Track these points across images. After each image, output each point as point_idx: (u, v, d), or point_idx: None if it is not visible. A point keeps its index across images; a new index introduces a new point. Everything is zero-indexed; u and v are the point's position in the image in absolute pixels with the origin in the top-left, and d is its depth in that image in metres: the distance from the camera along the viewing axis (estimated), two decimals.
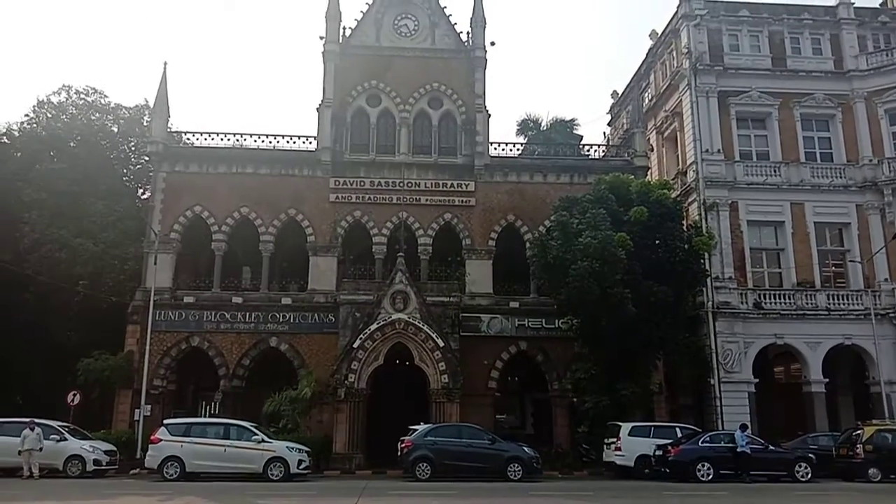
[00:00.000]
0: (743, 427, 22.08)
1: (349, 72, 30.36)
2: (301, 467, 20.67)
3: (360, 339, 25.39)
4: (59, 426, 22.12)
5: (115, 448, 22.73)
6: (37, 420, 21.32)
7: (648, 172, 31.20)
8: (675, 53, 32.29)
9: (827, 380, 27.34)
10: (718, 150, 29.41)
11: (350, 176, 29.42)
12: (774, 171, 29.54)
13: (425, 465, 20.90)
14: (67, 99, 34.72)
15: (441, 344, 25.38)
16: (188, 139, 30.62)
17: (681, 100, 31.16)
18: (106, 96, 35.47)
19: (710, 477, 20.55)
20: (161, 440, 20.77)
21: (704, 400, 28.06)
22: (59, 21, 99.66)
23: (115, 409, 27.25)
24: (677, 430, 23.33)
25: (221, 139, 30.02)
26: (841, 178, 29.59)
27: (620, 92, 39.53)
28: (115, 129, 34.80)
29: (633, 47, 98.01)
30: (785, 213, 29.04)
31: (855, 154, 29.85)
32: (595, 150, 32.71)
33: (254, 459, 20.51)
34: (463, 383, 25.50)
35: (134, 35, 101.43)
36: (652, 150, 33.45)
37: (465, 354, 26.60)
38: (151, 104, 31.77)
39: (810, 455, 21.65)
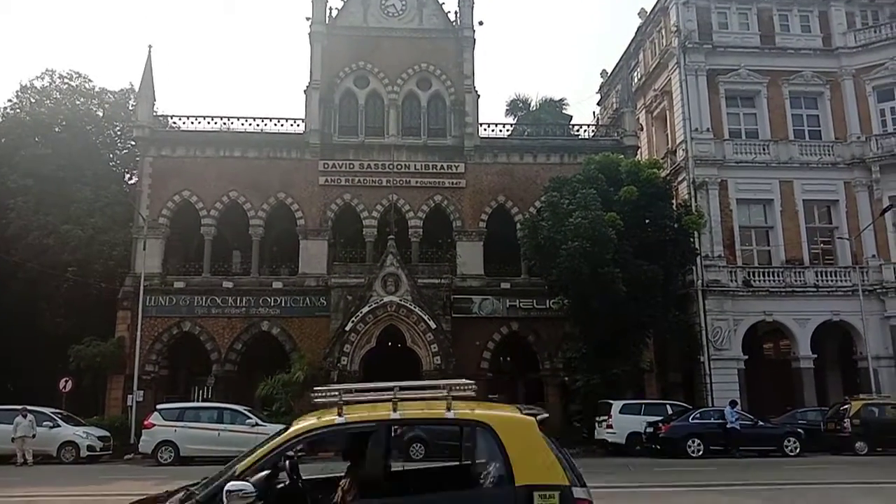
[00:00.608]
0: (732, 403, 22.33)
1: (336, 53, 30.09)
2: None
3: (352, 322, 25.41)
4: (51, 413, 22.12)
5: (108, 434, 22.79)
6: (29, 407, 21.30)
7: (638, 152, 31.20)
8: (664, 32, 32.18)
9: (815, 356, 27.64)
10: (708, 129, 29.43)
11: (339, 158, 29.27)
12: (763, 150, 29.62)
13: (419, 445, 21.02)
14: (51, 83, 34.25)
15: (433, 326, 25.44)
16: (174, 123, 30.32)
17: (670, 78, 31.12)
18: (90, 80, 35.06)
19: (701, 453, 20.80)
20: (154, 425, 20.82)
21: (694, 377, 28.34)
22: (40, 4, 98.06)
23: (107, 395, 27.24)
24: (668, 407, 23.60)
25: (208, 123, 29.75)
26: (829, 155, 29.72)
27: (610, 71, 39.39)
28: (101, 114, 34.41)
29: (622, 26, 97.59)
30: (774, 190, 29.17)
31: (843, 131, 29.95)
32: (585, 130, 32.66)
33: (248, 443, 20.38)
34: (455, 364, 25.59)
35: (117, 18, 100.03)
36: (641, 129, 33.44)
37: (456, 336, 26.70)
38: (136, 88, 31.42)
39: (799, 430, 21.96)
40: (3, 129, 32.80)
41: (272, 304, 27.78)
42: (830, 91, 30.29)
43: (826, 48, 30.72)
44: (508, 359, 31.44)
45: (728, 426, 21.21)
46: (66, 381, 26.43)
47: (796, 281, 28.18)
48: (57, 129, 32.25)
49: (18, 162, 29.86)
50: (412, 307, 25.58)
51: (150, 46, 36.04)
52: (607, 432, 22.78)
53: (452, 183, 29.44)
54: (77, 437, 21.47)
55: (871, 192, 29.04)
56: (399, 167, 29.14)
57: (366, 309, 25.54)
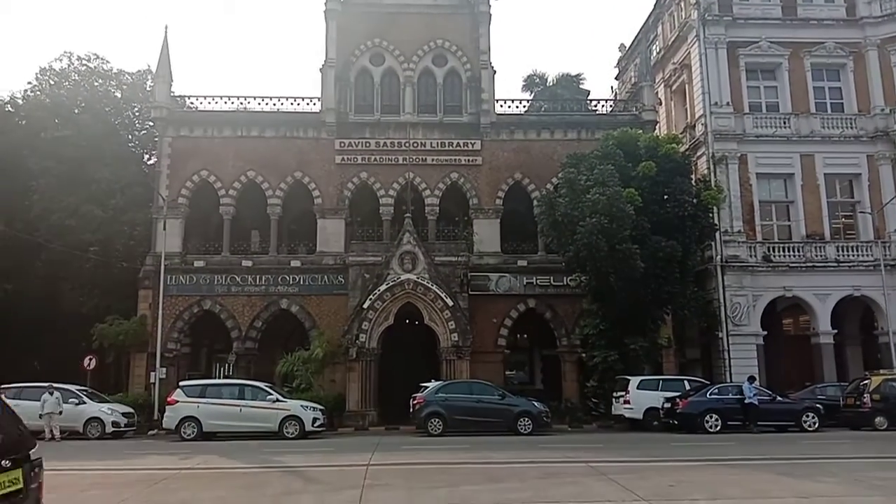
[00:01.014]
0: (751, 379, 22.27)
1: (352, 30, 29.95)
2: (315, 425, 21.07)
3: (370, 299, 25.59)
4: (77, 390, 22.60)
5: (132, 410, 23.26)
6: (55, 384, 21.76)
7: (657, 127, 30.88)
8: (683, 4, 31.63)
9: (836, 331, 27.46)
10: (727, 103, 29.02)
11: (355, 137, 29.28)
12: (784, 123, 29.19)
13: (437, 420, 21.28)
14: (69, 65, 34.45)
15: (450, 303, 25.55)
16: (192, 103, 30.45)
17: (689, 52, 30.65)
18: (108, 62, 35.19)
19: (718, 428, 20.82)
20: (178, 401, 21.19)
21: (713, 353, 28.27)
22: None
23: (130, 372, 27.74)
24: (685, 382, 23.59)
25: (225, 102, 29.85)
26: (852, 128, 29.23)
27: (628, 45, 38.86)
28: (119, 95, 34.62)
29: None
30: (795, 165, 28.78)
31: (866, 104, 29.40)
32: (602, 106, 32.34)
33: (269, 418, 20.91)
34: (472, 341, 25.76)
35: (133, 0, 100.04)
36: (660, 103, 33.03)
37: (474, 313, 26.81)
38: (154, 69, 31.51)
39: (818, 405, 21.86)
40: (24, 111, 33.16)
41: (291, 282, 28.03)
42: (854, 62, 29.70)
43: (850, 18, 30.06)
44: (525, 336, 31.55)
45: (746, 401, 21.19)
46: (91, 359, 26.95)
47: (817, 256, 27.90)
48: (76, 111, 32.50)
49: (39, 144, 30.20)
50: (429, 285, 25.69)
51: (166, 27, 36.30)
52: (625, 408, 22.85)
53: (469, 160, 29.35)
54: (102, 413, 21.93)
55: (894, 165, 28.58)
56: (415, 145, 29.09)
57: (383, 287, 25.69)
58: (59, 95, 33.16)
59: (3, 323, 29.56)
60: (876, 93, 29.28)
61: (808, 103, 29.49)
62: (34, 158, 29.97)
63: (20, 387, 22.56)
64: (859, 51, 29.72)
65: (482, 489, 10.77)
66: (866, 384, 21.96)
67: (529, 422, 21.35)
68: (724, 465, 13.27)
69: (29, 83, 34.46)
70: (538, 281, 28.24)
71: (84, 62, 34.54)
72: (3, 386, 22.65)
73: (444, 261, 26.62)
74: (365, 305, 25.58)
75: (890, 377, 22.48)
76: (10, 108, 33.53)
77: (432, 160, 29.23)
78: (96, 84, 34.24)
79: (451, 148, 29.40)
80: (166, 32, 30.35)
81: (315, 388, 25.36)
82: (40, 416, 20.76)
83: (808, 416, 21.32)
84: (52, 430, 20.77)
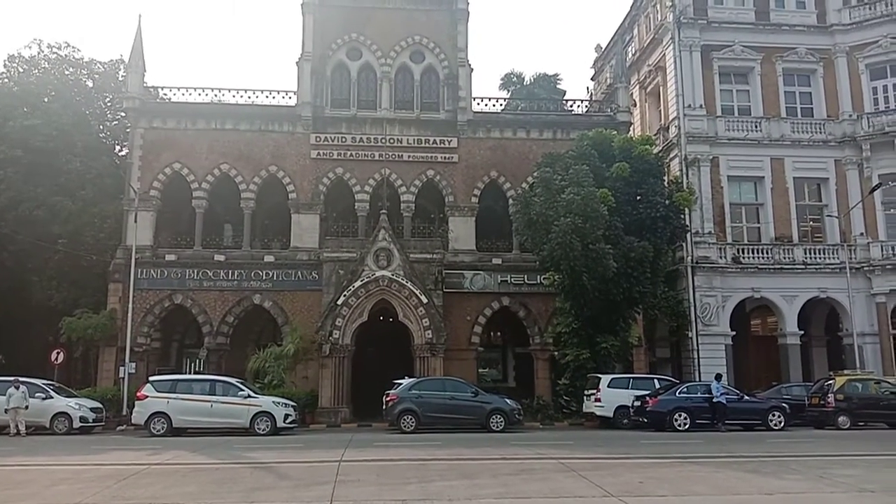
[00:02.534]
0: (718, 377, 22.65)
1: (329, 24, 29.78)
2: (287, 421, 20.96)
3: (345, 296, 25.52)
4: (43, 384, 22.16)
5: (100, 405, 22.91)
6: (21, 378, 21.33)
7: (631, 128, 31.20)
8: (658, 6, 32.00)
9: (802, 332, 28.04)
10: (701, 106, 29.46)
11: (331, 132, 29.13)
12: (755, 127, 29.69)
13: (410, 417, 21.31)
14: (39, 53, 33.77)
15: (424, 300, 25.59)
16: (165, 95, 30.07)
17: (664, 54, 31.02)
18: (79, 51, 34.57)
19: (687, 426, 21.13)
20: (147, 396, 20.91)
21: (682, 352, 28.70)
22: None
23: (99, 367, 27.33)
24: (655, 381, 23.91)
25: (199, 94, 29.50)
26: (821, 133, 29.83)
27: (604, 46, 39.22)
28: (90, 84, 34.02)
29: (618, 0, 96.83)
30: (765, 168, 29.31)
31: (835, 109, 30.04)
32: (578, 106, 32.57)
33: (240, 414, 20.75)
34: (446, 338, 25.83)
35: None
36: (635, 105, 33.39)
37: (448, 310, 26.89)
38: (126, 59, 31.05)
39: (784, 405, 22.30)
40: None
41: (264, 277, 27.82)
42: (824, 68, 30.31)
43: (820, 25, 30.68)
44: (499, 334, 31.73)
45: (714, 400, 21.54)
46: (58, 353, 26.51)
47: (785, 258, 28.45)
48: (46, 100, 31.86)
49: (8, 132, 29.54)
50: (404, 282, 25.69)
51: (139, 16, 35.73)
52: (595, 406, 23.10)
53: (445, 157, 29.38)
54: (69, 408, 21.56)
55: (861, 170, 29.24)
56: (391, 141, 29.04)
57: (358, 283, 25.64)
58: (28, 83, 32.48)
59: None
60: (844, 99, 29.92)
61: (780, 107, 30.04)
62: (2, 147, 29.29)
63: None
64: (829, 57, 30.35)
65: (454, 485, 10.82)
66: (830, 384, 22.46)
67: (502, 419, 21.49)
68: (693, 463, 13.49)
69: None
70: (512, 279, 28.40)
71: (55, 50, 33.90)
72: None
73: (419, 258, 26.64)
74: (339, 302, 25.51)
75: (853, 378, 23.05)
76: None
77: (408, 157, 29.21)
78: (67, 73, 33.60)
79: (427, 145, 29.41)
80: (140, 22, 29.70)
81: (287, 384, 25.24)
82: (5, 410, 20.38)
83: (774, 415, 21.73)
84: (17, 425, 20.37)
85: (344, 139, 29.09)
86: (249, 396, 21.05)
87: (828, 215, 29.25)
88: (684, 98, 29.44)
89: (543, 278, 26.69)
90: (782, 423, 21.52)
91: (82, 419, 21.50)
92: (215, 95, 29.53)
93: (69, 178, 29.31)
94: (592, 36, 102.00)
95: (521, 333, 29.15)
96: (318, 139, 28.99)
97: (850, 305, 27.43)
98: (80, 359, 33.62)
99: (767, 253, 28.58)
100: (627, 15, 35.89)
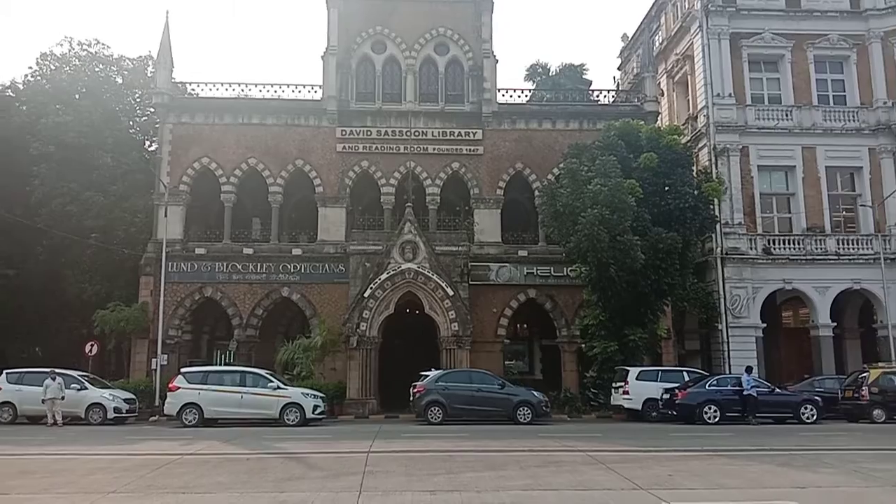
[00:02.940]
0: (749, 370, 22.36)
1: (353, 18, 29.83)
2: (316, 412, 21.17)
3: (371, 288, 25.64)
4: (79, 376, 22.66)
5: (133, 396, 23.36)
6: (57, 370, 21.83)
7: (659, 118, 30.84)
8: None
9: (835, 324, 27.54)
10: (730, 95, 28.98)
11: (356, 125, 29.23)
12: (786, 115, 29.15)
13: (437, 409, 21.39)
14: (70, 51, 34.40)
15: (450, 293, 25.61)
16: (193, 90, 30.39)
17: (692, 42, 30.56)
18: (108, 47, 35.23)
19: (717, 419, 20.92)
20: (179, 388, 21.26)
21: (712, 345, 28.37)
22: None
23: (131, 358, 27.84)
24: (684, 373, 23.70)
25: (227, 89, 29.77)
26: (854, 121, 29.19)
27: (631, 35, 38.74)
28: (120, 81, 34.57)
29: None
30: (796, 157, 28.77)
31: (869, 96, 29.36)
32: (604, 96, 32.30)
33: (270, 405, 21.01)
34: (472, 331, 25.84)
35: None
36: (662, 94, 32.97)
37: (474, 302, 26.88)
38: (154, 55, 31.43)
39: (816, 397, 21.97)
40: (25, 96, 33.14)
41: (292, 270, 28.08)
42: (857, 55, 29.62)
43: (854, 10, 29.96)
44: (525, 326, 31.65)
45: (744, 393, 21.28)
46: (92, 346, 27.05)
47: (817, 248, 27.94)
48: (77, 97, 32.48)
49: (41, 129, 30.17)
50: (430, 274, 25.74)
51: (167, 13, 36.19)
52: (623, 398, 22.96)
53: (470, 150, 29.32)
54: (104, 399, 22.00)
55: (895, 158, 28.54)
56: (416, 134, 29.05)
57: (384, 276, 25.74)
58: (59, 81, 33.11)
59: (5, 309, 29.66)
60: (879, 86, 29.23)
61: (811, 95, 29.44)
62: (35, 144, 29.96)
63: (22, 372, 22.74)
64: (863, 43, 29.64)
65: (482, 476, 10.85)
66: (865, 377, 22.04)
67: (529, 411, 21.46)
68: (723, 456, 13.36)
69: (30, 68, 34.56)
70: (538, 271, 28.29)
71: (85, 47, 34.50)
72: (6, 371, 22.83)
73: (445, 250, 26.66)
74: (366, 294, 25.65)
75: (888, 370, 22.58)
76: (11, 94, 33.54)
77: (433, 149, 29.19)
78: (97, 69, 34.18)
79: (452, 137, 29.36)
80: (167, 18, 30.30)
81: (316, 375, 25.48)
82: (42, 401, 20.88)
83: (806, 408, 21.42)
84: (54, 416, 20.86)
85: (369, 132, 29.17)
86: (279, 388, 21.30)
87: (861, 205, 28.65)
88: (713, 87, 28.99)
89: (570, 270, 26.54)
90: (815, 417, 21.20)
91: (116, 410, 21.94)
92: (242, 90, 29.80)
93: (101, 173, 29.85)
94: (619, 25, 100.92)
95: (547, 325, 29.05)
96: (343, 133, 29.11)
97: (885, 296, 26.87)
98: (114, 351, 34.30)
99: (799, 243, 28.09)
100: (654, 3, 35.38)
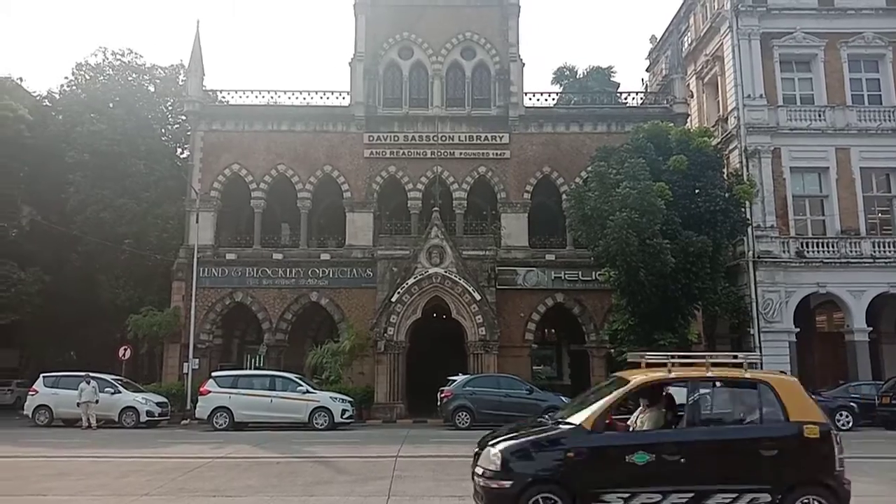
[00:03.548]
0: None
1: (380, 24, 30.02)
2: (344, 416, 21.29)
3: (398, 293, 25.72)
4: (112, 379, 23.10)
5: (166, 400, 23.72)
6: (92, 374, 22.26)
7: (688, 119, 30.48)
8: None
9: (871, 328, 26.90)
10: (761, 95, 28.53)
11: (384, 131, 29.38)
12: (819, 116, 28.60)
13: (465, 413, 21.37)
14: (104, 60, 35.05)
15: (477, 297, 25.58)
16: (223, 98, 30.83)
17: (722, 43, 30.17)
18: (141, 56, 35.78)
19: None
20: (210, 392, 21.54)
21: (744, 349, 27.88)
22: None
23: (163, 362, 28.29)
24: None
25: (256, 97, 30.17)
26: (889, 121, 28.53)
27: (659, 37, 38.39)
28: (152, 89, 35.16)
29: None
30: (829, 158, 28.19)
31: None
32: (633, 98, 32.00)
33: (299, 409, 21.18)
34: (500, 335, 25.79)
35: None
36: (692, 96, 32.58)
37: (501, 307, 26.82)
38: (186, 64, 31.96)
39: (852, 404, 21.50)
40: (61, 105, 33.86)
41: (320, 275, 28.28)
42: (893, 53, 28.94)
43: (889, 7, 29.27)
44: (553, 330, 31.47)
45: None
46: (125, 350, 27.52)
47: (852, 252, 27.35)
48: (111, 105, 33.09)
49: (76, 138, 30.83)
50: (457, 279, 25.74)
51: (198, 22, 36.67)
52: None
53: (497, 154, 29.29)
54: (137, 402, 22.39)
55: None
56: (443, 138, 29.10)
57: (411, 280, 25.80)
58: (94, 90, 33.77)
59: (41, 314, 30.32)
60: None
61: (845, 95, 28.84)
62: (70, 152, 30.60)
63: (58, 376, 23.23)
64: None
65: None
66: None
67: None
68: None
69: (66, 78, 35.28)
70: (566, 275, 28.12)
71: (118, 57, 35.13)
72: (43, 375, 23.35)
73: (472, 255, 26.65)
74: (393, 299, 25.73)
75: None
76: (48, 103, 34.28)
77: (460, 154, 29.22)
78: (130, 78, 34.80)
79: (479, 141, 29.37)
80: (198, 27, 30.62)
81: (344, 380, 25.62)
82: (78, 404, 21.32)
83: (841, 415, 20.98)
84: (88, 419, 21.28)
85: (396, 138, 29.30)
86: (308, 392, 21.47)
87: None
88: (743, 88, 28.56)
89: (599, 274, 26.32)
90: (850, 423, 20.77)
91: (149, 413, 22.30)
92: (271, 97, 30.16)
93: (133, 180, 30.39)
94: (647, 27, 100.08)
95: (575, 330, 28.84)
96: (371, 138, 29.28)
97: None
98: (146, 355, 34.89)
99: (833, 246, 27.51)
100: (683, 4, 35.02)
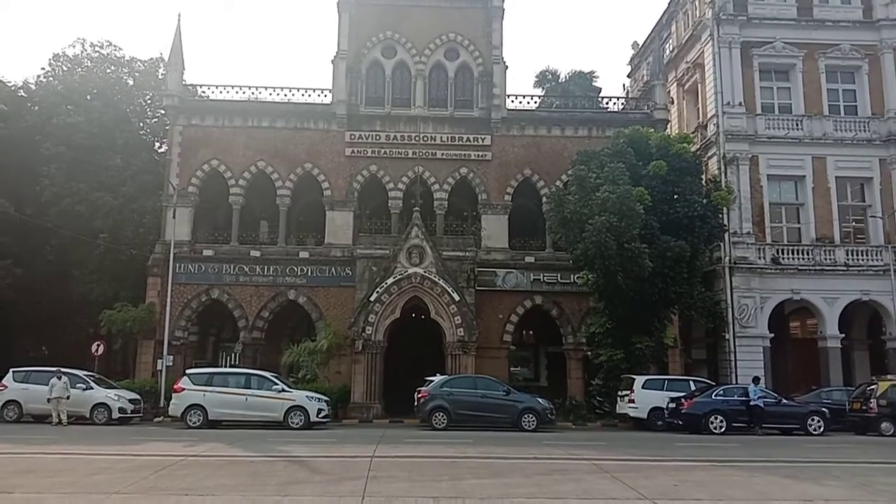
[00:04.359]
0: (755, 380, 22.21)
1: (364, 22, 29.92)
2: (320, 416, 21.15)
3: (377, 292, 25.63)
4: (84, 375, 22.71)
5: (138, 397, 23.38)
6: (63, 369, 21.88)
7: (668, 126, 30.77)
8: (697, 3, 31.47)
9: (843, 335, 27.34)
10: (740, 103, 28.88)
11: (365, 129, 29.27)
12: (796, 125, 29.02)
13: (441, 414, 21.33)
14: (82, 52, 34.57)
15: (456, 298, 25.57)
16: (203, 93, 30.51)
17: (703, 51, 30.50)
18: (120, 49, 35.35)
19: (723, 429, 20.78)
20: (184, 389, 21.28)
21: (719, 354, 28.20)
22: None
23: (137, 359, 27.91)
24: (691, 383, 23.56)
25: (237, 92, 29.92)
26: (865, 131, 29.04)
27: (641, 43, 38.70)
28: (131, 83, 34.72)
29: None
30: (806, 167, 28.63)
31: (880, 107, 29.21)
32: (614, 103, 32.21)
33: (274, 408, 21.00)
34: (478, 336, 25.79)
35: None
36: (672, 102, 32.89)
37: (480, 308, 26.84)
38: (166, 58, 31.58)
39: (823, 409, 21.79)
40: (38, 96, 33.30)
41: (299, 273, 28.10)
42: (869, 65, 29.49)
43: (866, 20, 29.83)
44: (531, 332, 31.56)
45: (751, 403, 21.13)
46: (99, 345, 27.12)
47: (826, 259, 27.77)
48: (88, 98, 32.61)
49: (51, 130, 30.33)
50: (436, 279, 25.71)
51: (179, 15, 36.21)
52: (629, 407, 22.84)
53: (478, 155, 29.32)
54: (109, 399, 22.04)
55: None
56: (425, 139, 29.06)
57: (390, 280, 25.73)
58: (71, 82, 33.27)
59: (12, 307, 29.78)
60: (891, 96, 29.09)
61: (822, 105, 29.31)
62: (46, 144, 30.09)
63: (28, 371, 22.82)
64: (875, 53, 29.51)
65: (486, 483, 10.79)
66: (873, 389, 21.86)
67: (533, 418, 21.38)
68: (729, 467, 13.26)
69: (42, 69, 34.67)
70: (545, 278, 28.22)
71: (97, 49, 34.68)
72: (12, 370, 22.91)
73: (452, 255, 26.65)
74: (372, 298, 25.64)
75: None
76: (24, 94, 33.70)
77: (442, 154, 29.21)
78: (108, 71, 34.35)
79: (461, 142, 29.37)
80: (179, 21, 30.40)
81: (320, 379, 25.47)
82: (48, 400, 20.94)
83: (813, 420, 21.26)
84: (59, 415, 20.90)
85: (378, 137, 29.21)
86: (283, 391, 21.29)
87: (871, 216, 28.46)
88: (723, 95, 28.90)
89: (577, 277, 26.47)
90: (822, 428, 21.04)
91: (121, 410, 21.97)
92: (252, 93, 29.93)
93: (110, 174, 29.96)
94: (629, 33, 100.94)
95: (553, 332, 28.95)
96: (352, 137, 29.16)
97: (894, 308, 26.66)
98: (120, 351, 34.40)
99: (808, 254, 27.93)
100: (665, 11, 35.36)
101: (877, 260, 27.68)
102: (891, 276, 26.62)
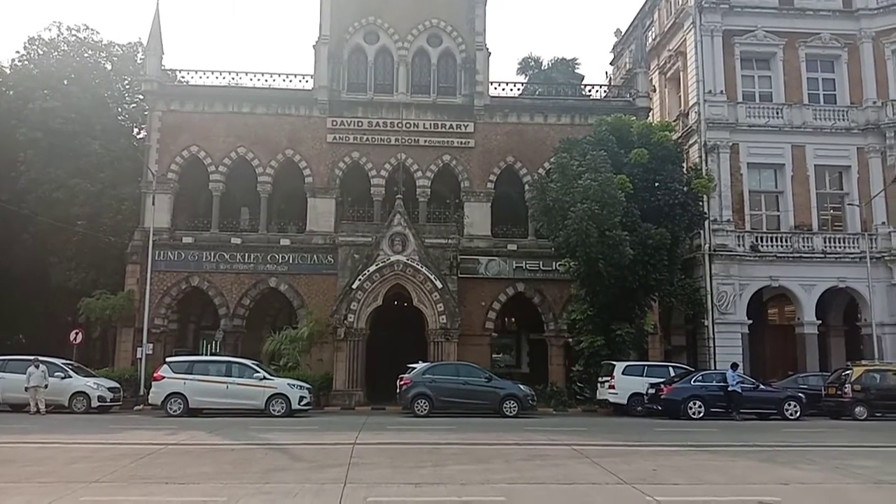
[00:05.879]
0: (734, 366, 22.49)
1: (346, 7, 29.63)
2: (302, 403, 21.12)
3: (359, 280, 25.58)
4: (63, 364, 22.46)
5: (118, 385, 23.17)
6: (41, 358, 21.62)
7: (650, 113, 30.88)
8: None
9: (820, 321, 27.74)
10: (721, 92, 29.04)
11: (347, 116, 29.08)
12: (777, 113, 29.25)
13: (423, 401, 21.38)
14: (59, 35, 33.92)
15: (439, 285, 25.59)
16: (183, 78, 30.11)
17: (685, 39, 30.59)
18: (98, 33, 34.73)
19: (702, 415, 21.03)
20: (164, 377, 21.13)
21: (698, 340, 28.52)
22: None
23: (116, 347, 27.67)
24: (670, 369, 23.81)
25: (217, 77, 29.52)
26: (843, 120, 29.33)
27: (623, 30, 38.74)
28: (109, 67, 34.16)
29: None
30: (785, 155, 28.90)
31: (859, 96, 29.49)
32: (596, 91, 32.26)
33: (256, 396, 20.93)
34: (461, 324, 25.85)
35: None
36: (654, 90, 33.00)
37: (463, 295, 26.89)
38: (144, 42, 31.09)
39: (800, 394, 22.14)
40: (12, 81, 32.65)
41: (280, 260, 27.96)
42: (848, 54, 29.74)
43: (846, 10, 30.05)
44: (513, 319, 31.68)
45: (729, 389, 21.41)
46: (77, 334, 26.83)
47: (804, 247, 28.11)
48: (65, 82, 32.05)
49: (27, 115, 29.78)
50: (419, 266, 25.70)
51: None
52: (609, 393, 23.05)
53: (461, 142, 29.25)
54: (88, 387, 21.83)
55: (884, 158, 28.74)
56: (408, 126, 28.94)
57: (373, 267, 25.68)
58: (48, 66, 32.66)
59: None
60: (869, 85, 29.36)
61: (802, 94, 29.55)
62: (22, 129, 29.53)
63: (5, 359, 22.52)
64: (854, 43, 29.76)
65: (467, 469, 10.86)
66: (848, 374, 22.23)
67: (515, 405, 21.51)
68: (707, 451, 13.44)
69: (17, 52, 34.02)
70: (527, 265, 28.31)
71: (74, 32, 34.05)
72: None
73: (435, 243, 26.64)
74: (354, 286, 25.59)
75: (871, 368, 22.82)
76: None
77: (425, 141, 29.10)
78: (86, 55, 33.76)
79: (443, 129, 29.27)
80: (158, 5, 29.75)
81: (302, 366, 25.42)
82: (26, 389, 20.71)
83: (790, 405, 21.59)
84: (37, 404, 20.69)
85: (360, 123, 29.02)
86: (265, 378, 21.22)
87: (849, 204, 28.82)
88: (705, 84, 29.04)
89: (559, 265, 26.57)
90: (798, 413, 21.38)
91: (100, 398, 21.78)
92: (232, 79, 29.55)
93: (88, 160, 29.52)
94: (612, 20, 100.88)
95: (535, 319, 29.09)
96: (334, 123, 28.95)
97: (870, 295, 27.08)
98: (99, 339, 34.09)
99: (786, 241, 28.25)
100: None
101: (853, 247, 28.06)
102: (867, 263, 27.01)
